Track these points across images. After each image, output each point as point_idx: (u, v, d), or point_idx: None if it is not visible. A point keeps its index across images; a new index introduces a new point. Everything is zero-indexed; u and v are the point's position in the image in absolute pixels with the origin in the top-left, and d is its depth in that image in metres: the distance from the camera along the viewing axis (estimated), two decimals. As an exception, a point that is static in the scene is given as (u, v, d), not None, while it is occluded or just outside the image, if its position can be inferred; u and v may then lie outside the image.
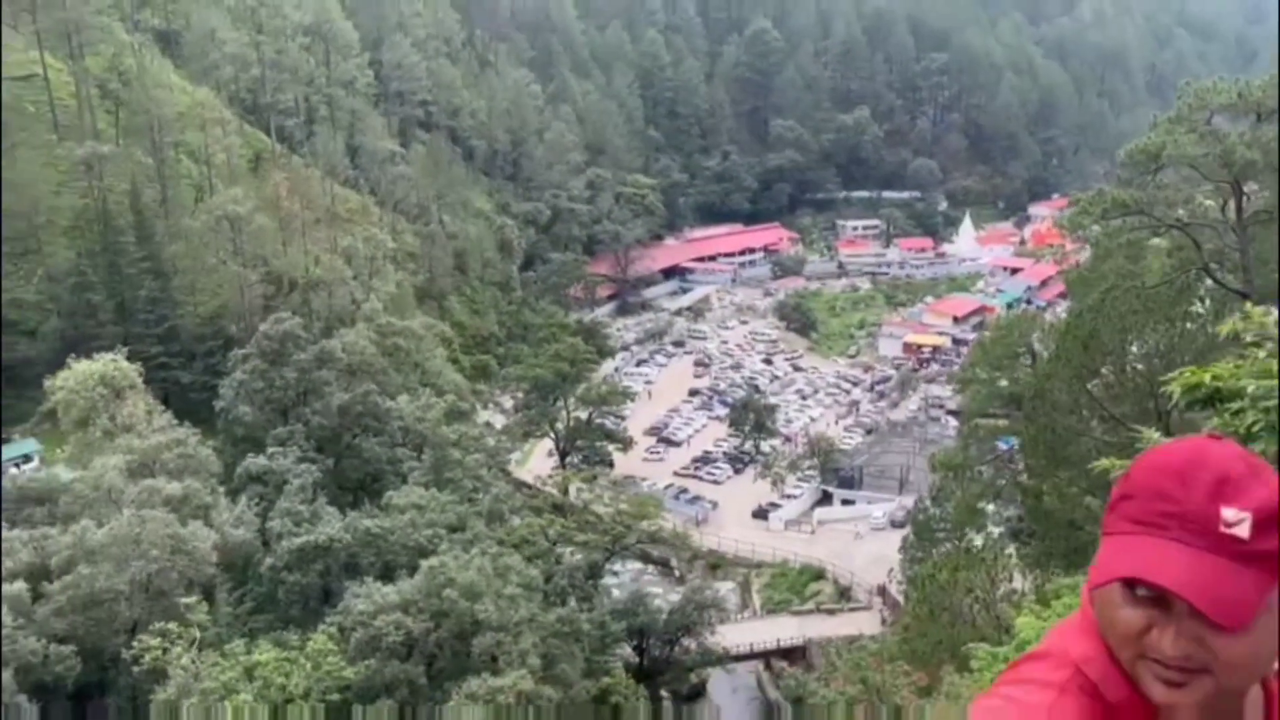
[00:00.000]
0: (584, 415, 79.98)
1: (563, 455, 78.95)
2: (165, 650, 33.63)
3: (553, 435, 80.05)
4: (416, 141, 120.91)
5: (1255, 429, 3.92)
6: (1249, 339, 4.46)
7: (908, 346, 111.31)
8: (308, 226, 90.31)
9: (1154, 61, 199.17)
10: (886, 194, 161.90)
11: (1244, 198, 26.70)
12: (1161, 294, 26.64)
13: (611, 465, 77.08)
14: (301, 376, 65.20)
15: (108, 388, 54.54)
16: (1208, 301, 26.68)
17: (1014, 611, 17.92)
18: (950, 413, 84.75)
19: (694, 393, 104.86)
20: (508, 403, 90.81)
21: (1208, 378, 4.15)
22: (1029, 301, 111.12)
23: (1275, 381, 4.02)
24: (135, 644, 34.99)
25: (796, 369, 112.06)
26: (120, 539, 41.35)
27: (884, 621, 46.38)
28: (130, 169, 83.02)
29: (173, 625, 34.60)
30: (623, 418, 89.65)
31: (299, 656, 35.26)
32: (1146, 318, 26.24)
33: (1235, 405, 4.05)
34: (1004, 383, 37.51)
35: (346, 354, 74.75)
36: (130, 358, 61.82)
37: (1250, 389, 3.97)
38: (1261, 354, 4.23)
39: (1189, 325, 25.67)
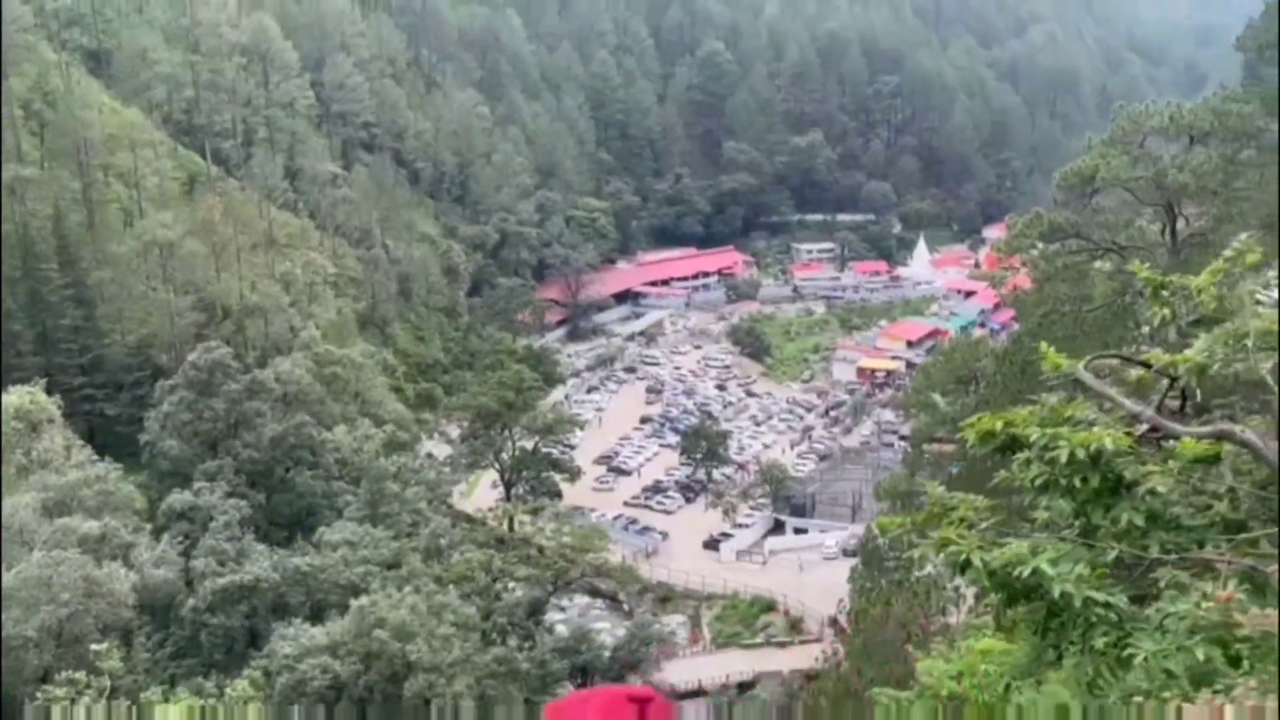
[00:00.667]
0: (530, 445, 79.17)
1: (508, 487, 78.07)
2: (73, 701, 32.37)
3: (497, 466, 79.19)
4: (360, 164, 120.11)
5: (1038, 481, 3.67)
6: (1050, 382, 4.24)
7: (862, 371, 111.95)
8: (243, 252, 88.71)
9: (1105, 84, 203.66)
10: (841, 217, 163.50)
11: (1177, 220, 27.03)
12: (1100, 318, 26.84)
13: (559, 496, 76.33)
14: (231, 408, 63.98)
15: (23, 421, 52.97)
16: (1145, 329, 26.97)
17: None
18: (903, 438, 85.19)
19: (645, 420, 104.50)
20: (454, 432, 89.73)
21: (999, 425, 3.89)
22: (983, 324, 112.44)
23: (1065, 429, 3.78)
24: (39, 694, 33.65)
25: (750, 394, 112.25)
26: (30, 582, 40.01)
27: (825, 657, 46.12)
28: (54, 192, 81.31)
29: (80, 674, 33.33)
30: (571, 446, 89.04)
31: (217, 706, 34.12)
32: (1085, 343, 26.42)
33: (1023, 455, 3.80)
34: (945, 408, 37.67)
35: (281, 384, 73.79)
36: (51, 390, 60.16)
37: (1035, 438, 3.72)
38: (1054, 399, 3.99)
39: (1128, 348, 25.92)
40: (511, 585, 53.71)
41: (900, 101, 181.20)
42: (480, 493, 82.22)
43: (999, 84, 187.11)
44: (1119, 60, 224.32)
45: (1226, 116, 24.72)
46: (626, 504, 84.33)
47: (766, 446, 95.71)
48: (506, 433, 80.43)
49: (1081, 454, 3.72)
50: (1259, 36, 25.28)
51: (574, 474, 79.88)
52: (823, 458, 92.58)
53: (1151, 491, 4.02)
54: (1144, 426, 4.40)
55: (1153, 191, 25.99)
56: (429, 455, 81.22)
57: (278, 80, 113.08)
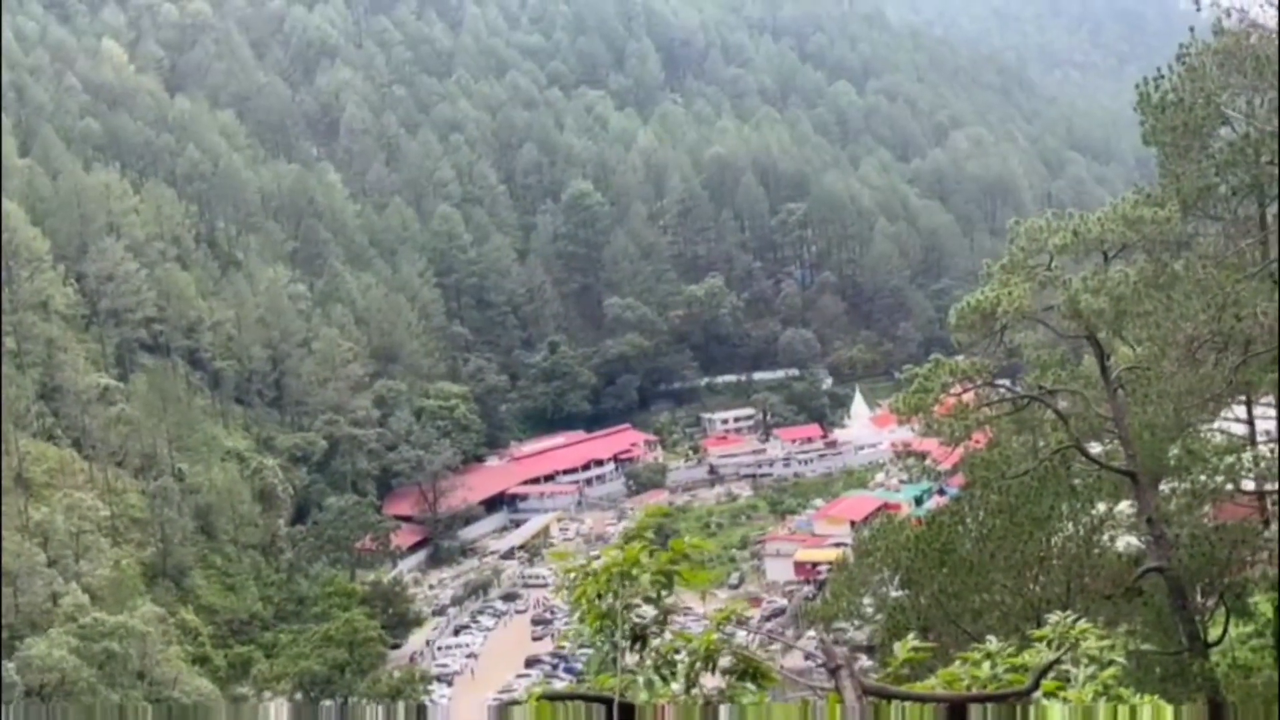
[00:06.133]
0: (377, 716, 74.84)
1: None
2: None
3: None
4: (140, 370, 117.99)
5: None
6: None
7: (801, 566, 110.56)
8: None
9: (1048, 190, 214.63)
10: (757, 375, 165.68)
11: (1106, 355, 26.59)
12: (1026, 486, 26.03)
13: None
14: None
15: None
16: (1080, 487, 26.23)
17: None
18: (864, 649, 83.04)
19: (534, 662, 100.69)
20: (282, 712, 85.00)
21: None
22: (942, 491, 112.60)
23: None
24: None
25: (666, 614, 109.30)
26: None
27: None
28: None
29: None
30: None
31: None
32: (1009, 520, 25.43)
33: None
34: (871, 609, 36.36)
35: (37, 671, 70.52)
36: None
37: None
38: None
39: (1059, 523, 25.03)
40: None
41: (811, 232, 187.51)
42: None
43: (924, 201, 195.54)
44: (1060, 161, 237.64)
45: (1140, 224, 24.57)
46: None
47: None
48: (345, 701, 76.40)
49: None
50: (1169, 120, 25.44)
51: (436, 752, 75.46)
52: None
53: None
54: None
55: (1068, 323, 25.57)
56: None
57: (26, 276, 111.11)
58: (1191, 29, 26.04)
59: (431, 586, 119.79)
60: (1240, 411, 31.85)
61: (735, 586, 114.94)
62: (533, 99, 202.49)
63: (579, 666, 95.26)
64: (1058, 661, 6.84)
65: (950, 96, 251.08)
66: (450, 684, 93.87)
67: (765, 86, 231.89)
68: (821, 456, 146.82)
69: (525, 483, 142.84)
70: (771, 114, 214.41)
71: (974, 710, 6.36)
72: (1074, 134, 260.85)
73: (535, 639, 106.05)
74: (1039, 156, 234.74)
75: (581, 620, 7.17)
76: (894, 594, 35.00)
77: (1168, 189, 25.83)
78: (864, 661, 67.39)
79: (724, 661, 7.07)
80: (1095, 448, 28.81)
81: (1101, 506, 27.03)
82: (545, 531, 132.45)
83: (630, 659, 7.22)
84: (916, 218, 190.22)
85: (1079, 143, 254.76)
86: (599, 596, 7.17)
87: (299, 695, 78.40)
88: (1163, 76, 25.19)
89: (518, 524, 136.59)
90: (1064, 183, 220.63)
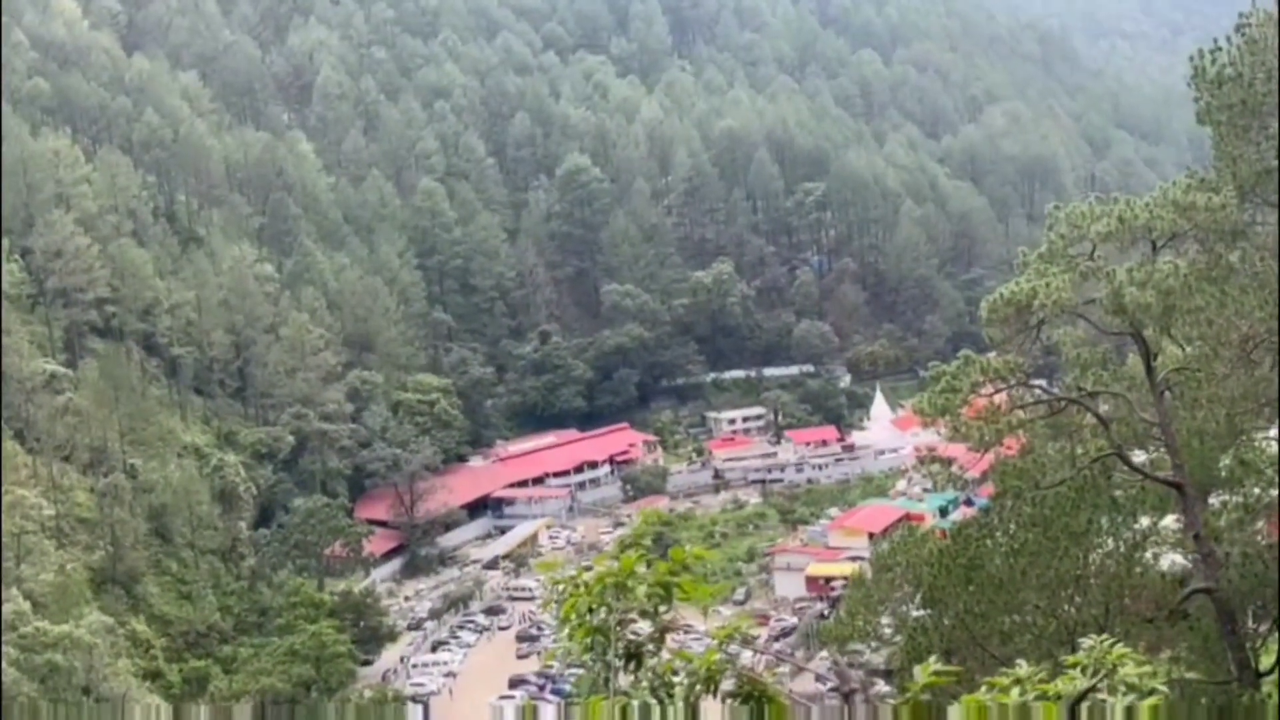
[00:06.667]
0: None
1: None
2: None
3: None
4: (91, 356, 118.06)
5: None
6: None
7: (812, 581, 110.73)
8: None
9: (1092, 172, 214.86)
10: (769, 372, 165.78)
11: (1152, 354, 26.56)
12: (1062, 497, 26.02)
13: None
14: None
15: None
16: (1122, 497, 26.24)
17: None
18: (881, 673, 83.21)
19: (518, 683, 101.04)
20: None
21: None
22: (969, 502, 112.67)
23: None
24: None
25: (664, 631, 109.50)
26: None
27: None
28: None
29: None
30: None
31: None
32: (1043, 535, 25.46)
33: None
34: (889, 630, 36.47)
35: None
36: None
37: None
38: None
39: (1098, 539, 25.03)
40: None
41: (830, 215, 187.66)
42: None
43: (955, 182, 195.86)
44: (1105, 140, 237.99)
45: (1192, 211, 24.55)
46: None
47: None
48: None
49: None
50: (1226, 97, 25.42)
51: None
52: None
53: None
54: None
55: (1111, 319, 25.54)
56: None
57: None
58: (1253, -4, 25.99)
59: (407, 598, 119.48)
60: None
61: (741, 603, 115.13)
62: (526, 64, 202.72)
63: (567, 688, 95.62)
64: (1093, 689, 6.84)
65: (986, 67, 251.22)
66: (426, 705, 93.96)
67: (782, 54, 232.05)
68: (838, 461, 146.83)
69: (512, 485, 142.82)
70: (788, 84, 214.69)
71: (1000, 741, 6.36)
72: (1121, 111, 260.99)
73: (520, 657, 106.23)
74: (1082, 135, 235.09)
75: (571, 636, 7.18)
76: (915, 614, 35.05)
77: (1223, 173, 25.75)
78: (881, 687, 67.65)
79: (727, 684, 7.08)
80: (1139, 456, 28.74)
81: (1145, 521, 27.03)
82: (533, 539, 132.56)
83: (624, 680, 7.23)
84: (946, 200, 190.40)
85: (1126, 121, 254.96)
86: (590, 610, 7.18)
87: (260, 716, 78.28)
88: (1220, 49, 25.13)
89: (503, 531, 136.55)
90: (1109, 164, 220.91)
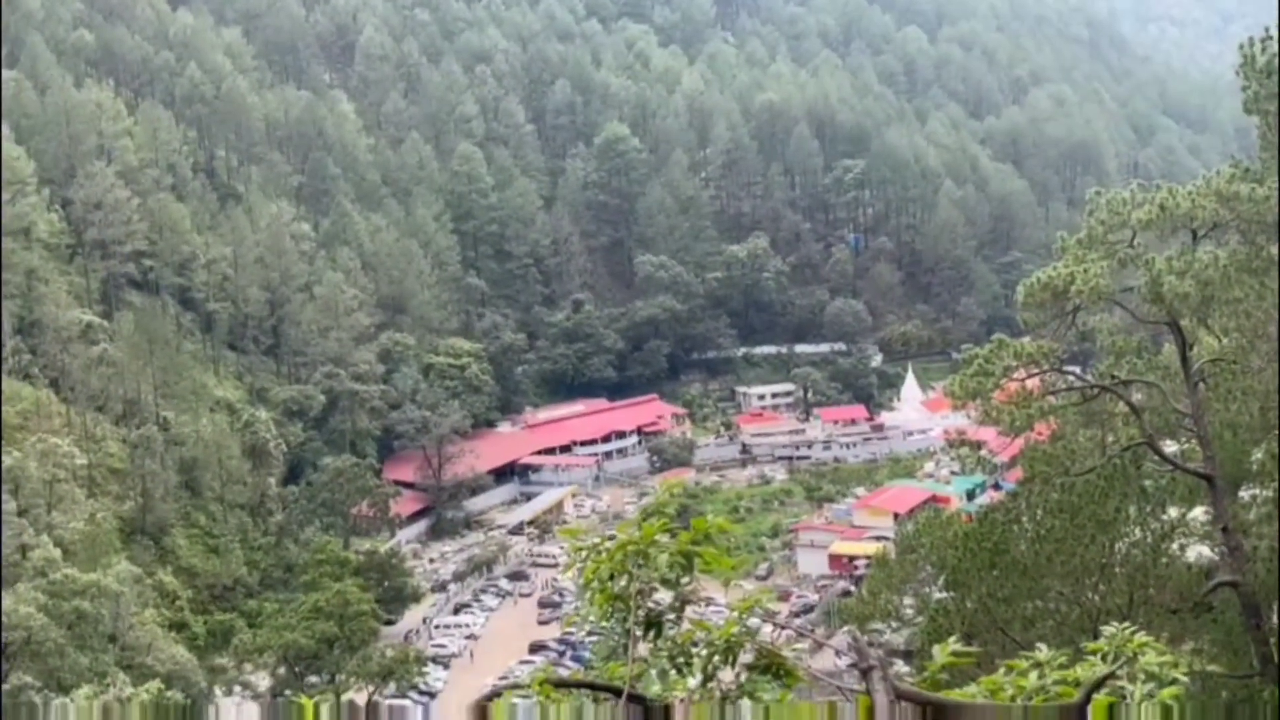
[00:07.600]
0: (365, 698, 75.77)
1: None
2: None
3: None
4: (127, 308, 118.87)
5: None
6: None
7: (836, 559, 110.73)
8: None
9: (1136, 159, 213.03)
10: (800, 348, 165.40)
11: (1188, 344, 26.36)
12: (1091, 485, 25.91)
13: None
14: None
15: None
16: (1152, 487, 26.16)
17: None
18: (900, 654, 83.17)
19: (539, 648, 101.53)
20: (263, 683, 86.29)
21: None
22: (997, 486, 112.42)
23: None
24: None
25: (684, 603, 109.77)
26: None
27: None
28: None
29: None
30: (429, 694, 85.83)
31: None
32: (1070, 521, 25.40)
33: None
34: (911, 611, 36.63)
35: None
36: None
37: None
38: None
39: (1125, 527, 24.97)
40: None
41: (868, 193, 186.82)
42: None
43: (996, 164, 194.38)
44: (1150, 127, 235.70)
45: (1235, 201, 24.30)
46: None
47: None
48: (333, 680, 77.45)
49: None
50: (1275, 87, 25.12)
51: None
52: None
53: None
54: None
55: (1148, 307, 25.36)
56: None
57: (7, 199, 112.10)
58: (1306, -14, 25.67)
59: (432, 560, 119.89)
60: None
61: (763, 578, 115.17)
62: (569, 30, 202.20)
63: (588, 655, 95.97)
64: (1112, 676, 6.81)
65: (1032, 49, 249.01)
66: (447, 667, 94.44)
67: (826, 28, 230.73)
68: (866, 440, 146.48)
69: (539, 453, 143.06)
70: (832, 59, 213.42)
71: (1016, 721, 6.34)
72: (1167, 98, 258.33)
73: (542, 623, 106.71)
74: (1127, 121, 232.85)
75: (591, 602, 7.18)
76: (938, 595, 35.10)
77: (1268, 164, 25.50)
78: (900, 667, 67.50)
79: (745, 656, 7.07)
80: (1170, 446, 28.58)
81: (1173, 511, 26.91)
82: (558, 507, 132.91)
83: (643, 648, 7.22)
84: (986, 182, 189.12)
85: (1172, 108, 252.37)
86: (611, 578, 7.17)
87: (282, 670, 79.13)
88: (1270, 38, 24.85)
89: (528, 497, 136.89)
90: (1153, 151, 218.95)
